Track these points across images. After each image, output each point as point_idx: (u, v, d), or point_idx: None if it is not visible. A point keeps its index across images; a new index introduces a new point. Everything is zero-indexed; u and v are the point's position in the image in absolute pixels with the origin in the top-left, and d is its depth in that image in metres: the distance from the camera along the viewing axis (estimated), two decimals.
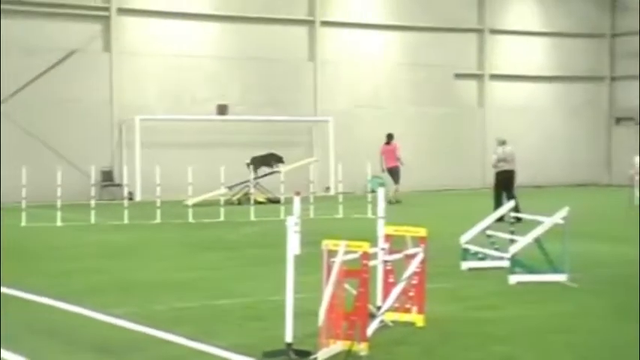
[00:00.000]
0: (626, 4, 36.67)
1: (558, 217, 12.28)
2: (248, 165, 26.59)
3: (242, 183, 26.11)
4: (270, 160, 27.82)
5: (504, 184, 20.75)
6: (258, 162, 27.53)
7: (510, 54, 36.10)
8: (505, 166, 20.86)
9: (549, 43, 36.93)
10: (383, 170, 27.81)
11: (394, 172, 27.83)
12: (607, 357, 7.99)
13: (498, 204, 19.62)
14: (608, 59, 37.77)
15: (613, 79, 37.82)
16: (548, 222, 12.28)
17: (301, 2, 32.40)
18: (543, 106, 36.83)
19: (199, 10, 30.99)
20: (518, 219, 13.46)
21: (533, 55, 36.54)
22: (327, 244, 8.20)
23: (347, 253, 8.16)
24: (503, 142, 21.24)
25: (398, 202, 26.46)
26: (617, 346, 8.42)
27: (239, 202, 25.91)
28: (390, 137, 28.25)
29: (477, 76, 35.65)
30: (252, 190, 24.67)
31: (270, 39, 31.59)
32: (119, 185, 28.39)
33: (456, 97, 35.10)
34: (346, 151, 30.83)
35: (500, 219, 13.93)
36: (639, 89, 36.36)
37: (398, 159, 27.81)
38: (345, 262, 8.13)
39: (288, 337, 7.88)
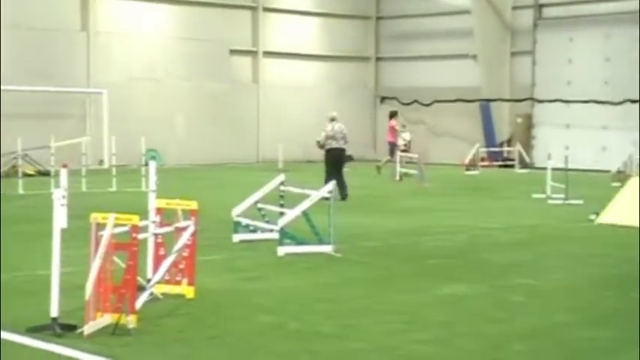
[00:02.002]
0: None
1: (325, 191, 12.62)
2: None
3: (10, 154, 24.97)
4: None
5: (333, 161, 19.97)
6: None
7: (284, 32, 36.56)
8: (334, 144, 19.91)
9: (320, 23, 37.71)
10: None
11: (390, 146, 29.04)
12: (367, 323, 8.28)
13: (328, 180, 19.53)
14: (373, 41, 39.09)
15: (378, 59, 39.19)
16: (315, 195, 12.57)
17: None
18: (315, 84, 37.61)
19: None
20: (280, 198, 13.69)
21: (305, 34, 37.19)
22: (96, 217, 8.02)
23: (117, 226, 8.01)
24: (333, 119, 20.26)
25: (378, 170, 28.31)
26: (377, 311, 8.78)
27: (6, 175, 24.75)
28: (391, 114, 30.09)
29: (252, 53, 35.88)
30: (20, 162, 23.58)
31: (41, 8, 30.29)
32: None
33: (231, 72, 35.16)
34: (120, 124, 30.19)
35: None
36: (402, 70, 37.98)
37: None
38: (114, 236, 7.98)
39: (54, 312, 7.66)
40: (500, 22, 35.10)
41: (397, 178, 26.41)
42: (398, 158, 27.12)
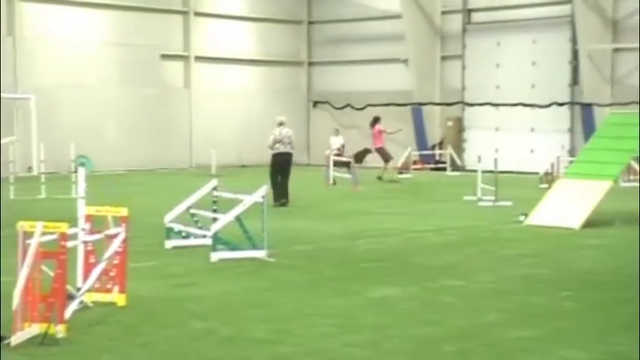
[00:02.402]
0: None
1: (258, 196, 12.62)
2: None
3: None
4: None
5: (279, 166, 19.81)
6: None
7: (216, 37, 36.40)
8: (281, 148, 19.76)
9: (252, 27, 37.66)
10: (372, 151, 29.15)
11: (381, 153, 28.45)
12: (299, 327, 8.31)
13: (274, 186, 19.61)
14: (306, 45, 39.18)
15: (310, 64, 39.28)
16: (248, 200, 12.58)
17: None
18: (248, 88, 37.53)
19: None
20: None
21: (237, 38, 37.09)
22: (23, 225, 7.91)
23: (45, 234, 7.91)
24: (281, 124, 20.09)
25: (394, 181, 27.36)
26: (310, 315, 8.82)
27: None
28: (375, 120, 29.09)
29: (183, 58, 35.66)
30: None
31: None
32: None
33: (162, 77, 34.89)
34: (50, 131, 29.76)
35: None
36: (334, 74, 38.14)
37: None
38: (42, 244, 7.88)
39: None
40: (431, 26, 35.48)
41: (330, 182, 26.50)
42: (331, 162, 27.19)
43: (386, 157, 28.39)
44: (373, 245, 14.08)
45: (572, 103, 31.94)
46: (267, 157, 36.73)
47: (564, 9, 31.97)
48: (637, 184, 25.48)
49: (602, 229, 15.84)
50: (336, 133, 34.95)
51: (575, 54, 31.61)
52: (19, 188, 21.25)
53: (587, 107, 31.02)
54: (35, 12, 31.56)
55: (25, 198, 20.68)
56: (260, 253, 12.30)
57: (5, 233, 8.51)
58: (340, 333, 8.11)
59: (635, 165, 25.35)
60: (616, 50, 31.44)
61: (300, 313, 8.92)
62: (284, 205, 19.46)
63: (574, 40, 31.54)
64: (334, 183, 26.33)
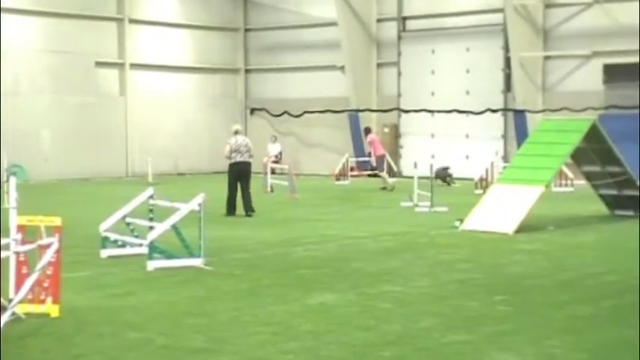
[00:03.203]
0: (257, 2, 38.15)
1: (195, 204, 12.52)
2: None
3: None
4: None
5: (237, 176, 19.25)
6: None
7: (151, 44, 36.14)
8: (238, 158, 19.21)
9: (188, 34, 37.47)
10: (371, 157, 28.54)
11: (382, 161, 28.08)
12: (237, 335, 8.26)
13: (230, 197, 19.28)
14: (242, 53, 39.10)
15: (247, 71, 39.21)
16: (184, 208, 12.48)
17: None
18: (184, 96, 37.32)
19: None
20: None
21: (173, 46, 36.87)
22: None
23: None
24: (236, 132, 19.68)
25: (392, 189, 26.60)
26: (247, 323, 8.77)
27: None
28: (366, 130, 29.02)
29: (118, 65, 35.31)
30: None
31: None
32: None
33: (97, 85, 34.50)
34: None
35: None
36: (271, 81, 38.13)
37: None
38: None
39: None
40: (366, 34, 35.69)
41: (268, 189, 26.46)
42: (269, 170, 27.14)
43: (380, 166, 28.26)
44: (311, 252, 14.07)
45: (505, 110, 32.39)
46: (210, 165, 37.10)
47: (496, 17, 32.43)
48: (568, 189, 25.95)
49: (536, 234, 16.07)
50: (274, 140, 35.03)
51: (507, 61, 32.05)
52: None
53: (519, 114, 31.48)
54: None
55: None
56: (197, 262, 12.22)
57: None
58: (278, 340, 8.08)
59: (567, 170, 25.77)
60: (547, 58, 31.99)
61: (238, 322, 8.86)
62: (249, 215, 19.15)
63: (506, 48, 31.99)
64: (272, 190, 26.29)
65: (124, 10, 35.13)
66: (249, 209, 19.32)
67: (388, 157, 33.33)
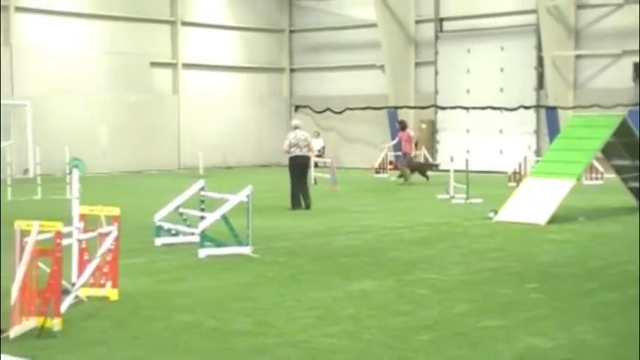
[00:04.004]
0: (301, 4, 38.19)
1: (243, 195, 12.59)
2: None
3: None
4: None
5: (297, 169, 18.70)
6: None
7: (202, 45, 36.37)
8: (297, 152, 18.61)
9: (237, 36, 37.64)
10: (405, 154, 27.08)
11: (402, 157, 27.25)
12: (281, 319, 8.32)
13: (293, 189, 18.77)
14: (287, 53, 39.18)
15: (292, 70, 39.29)
16: (233, 200, 12.56)
17: None
18: (233, 94, 37.51)
19: None
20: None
21: (222, 46, 37.07)
22: (20, 224, 7.87)
23: (41, 233, 7.88)
24: (296, 127, 19.00)
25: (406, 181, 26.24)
26: (291, 308, 8.82)
27: None
28: (401, 124, 27.66)
29: (172, 65, 35.59)
30: None
31: None
32: None
33: (151, 84, 34.82)
34: (45, 135, 29.65)
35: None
36: (314, 80, 38.16)
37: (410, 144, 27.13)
38: (39, 242, 7.85)
39: None
40: (405, 34, 35.56)
41: (312, 182, 26.46)
42: (312, 163, 27.14)
43: (404, 162, 27.17)
44: (351, 241, 14.08)
45: (537, 107, 32.11)
46: (256, 159, 37.27)
47: (530, 18, 32.14)
48: (598, 182, 25.67)
49: (566, 225, 15.93)
50: (317, 135, 35.05)
51: (540, 60, 31.78)
52: (15, 190, 21.12)
53: (551, 110, 31.18)
54: (31, 22, 31.40)
55: (21, 199, 20.57)
56: (245, 250, 12.30)
57: (3, 232, 8.44)
58: (321, 324, 8.11)
59: (597, 164, 25.50)
60: (578, 57, 31.63)
61: (283, 306, 8.91)
62: (308, 207, 18.60)
63: (539, 48, 31.71)
64: (315, 183, 26.32)
65: (176, 13, 35.39)
66: (306, 202, 18.80)
67: (425, 151, 33.26)
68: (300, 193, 18.86)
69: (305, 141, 18.78)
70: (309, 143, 18.93)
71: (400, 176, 26.83)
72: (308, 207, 18.77)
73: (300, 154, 18.72)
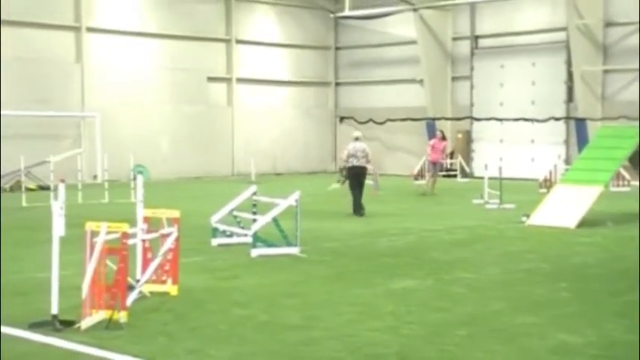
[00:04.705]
0: (346, 23, 38.18)
1: (292, 200, 12.62)
2: None
3: (13, 172, 24.70)
4: None
5: (354, 178, 18.34)
6: None
7: (254, 61, 36.55)
8: (354, 162, 18.26)
9: (286, 52, 37.74)
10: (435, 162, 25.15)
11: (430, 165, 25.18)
12: (327, 314, 8.31)
13: (353, 197, 18.37)
14: (333, 68, 39.20)
15: (337, 84, 39.28)
16: (283, 204, 12.59)
17: (68, 10, 31.10)
18: (282, 106, 37.61)
19: None
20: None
21: (273, 62, 37.19)
22: (90, 225, 7.97)
23: (109, 233, 7.97)
24: (356, 139, 18.68)
25: (432, 193, 24.16)
26: (336, 304, 8.80)
27: (11, 190, 24.51)
28: (443, 135, 26.03)
29: (226, 80, 35.81)
30: (23, 178, 23.38)
31: (40, 42, 30.05)
32: None
33: (208, 97, 35.08)
34: (112, 144, 30.02)
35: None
36: (358, 93, 38.10)
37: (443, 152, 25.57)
38: (107, 242, 7.94)
39: (54, 309, 7.60)
40: (442, 51, 35.36)
41: None
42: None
43: (432, 170, 25.20)
44: (392, 242, 14.03)
45: (567, 118, 31.69)
46: (304, 166, 37.39)
47: (560, 35, 31.75)
48: (625, 189, 25.25)
49: (595, 229, 15.70)
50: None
51: (570, 75, 31.37)
52: (85, 194, 21.42)
53: (580, 122, 30.75)
54: (99, 41, 31.83)
55: (90, 202, 20.84)
56: (294, 250, 12.32)
57: (73, 232, 8.55)
58: (364, 319, 8.09)
59: (624, 172, 25.09)
60: (606, 71, 31.15)
61: (329, 302, 8.90)
62: (362, 214, 18.07)
63: (569, 63, 31.30)
64: None
65: (231, 32, 35.61)
66: (362, 209, 18.24)
67: (461, 160, 33.03)
68: (358, 200, 18.39)
69: (363, 152, 18.29)
70: (367, 154, 18.37)
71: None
72: (361, 214, 18.20)
73: (357, 164, 18.28)
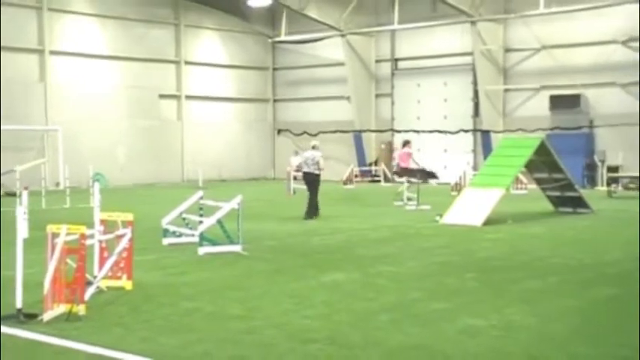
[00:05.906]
0: (283, 47, 38.17)
1: (235, 203, 12.52)
2: None
3: None
4: None
5: (306, 183, 17.96)
6: None
7: (201, 80, 36.27)
8: (305, 168, 17.88)
9: (230, 73, 37.56)
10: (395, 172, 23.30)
11: (405, 172, 22.56)
12: (267, 305, 8.27)
13: (309, 200, 17.90)
14: (271, 86, 39.16)
15: (275, 101, 39.25)
16: (227, 206, 12.48)
17: (32, 35, 30.36)
18: (227, 120, 37.40)
19: None
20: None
21: (218, 81, 36.98)
22: (51, 228, 7.78)
23: (68, 234, 7.79)
24: (312, 147, 18.29)
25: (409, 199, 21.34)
26: (275, 295, 8.77)
27: None
28: (405, 143, 23.27)
29: (176, 97, 35.44)
30: None
31: (6, 64, 29.29)
32: None
33: (160, 112, 34.65)
34: (73, 154, 29.41)
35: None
36: (294, 108, 38.13)
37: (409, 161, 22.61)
38: (66, 242, 7.76)
39: (19, 304, 7.39)
40: (367, 71, 35.66)
41: (291, 193, 26.40)
42: (292, 177, 27.04)
43: (409, 176, 22.21)
44: (324, 241, 14.04)
45: (474, 130, 32.31)
46: (247, 173, 37.17)
47: (467, 59, 32.37)
48: (523, 192, 25.84)
49: (499, 226, 15.99)
50: (296, 153, 34.86)
51: (476, 93, 32.00)
52: (48, 199, 20.90)
53: (485, 133, 31.39)
54: (61, 63, 31.18)
55: (53, 207, 20.34)
56: (236, 248, 12.22)
57: (37, 235, 8.33)
58: (299, 309, 8.07)
59: (522, 177, 25.66)
60: (506, 90, 31.88)
61: (268, 294, 8.86)
62: (313, 218, 17.54)
63: (475, 83, 31.93)
64: (294, 193, 26.23)
65: (180, 54, 35.29)
66: (311, 213, 17.68)
67: (384, 167, 33.30)
68: (312, 203, 17.92)
69: (312, 159, 17.72)
70: (317, 162, 17.72)
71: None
72: (311, 218, 17.71)
73: (307, 170, 17.86)
